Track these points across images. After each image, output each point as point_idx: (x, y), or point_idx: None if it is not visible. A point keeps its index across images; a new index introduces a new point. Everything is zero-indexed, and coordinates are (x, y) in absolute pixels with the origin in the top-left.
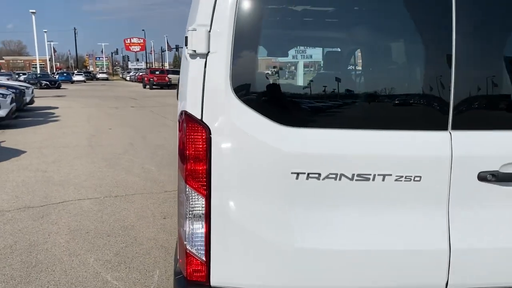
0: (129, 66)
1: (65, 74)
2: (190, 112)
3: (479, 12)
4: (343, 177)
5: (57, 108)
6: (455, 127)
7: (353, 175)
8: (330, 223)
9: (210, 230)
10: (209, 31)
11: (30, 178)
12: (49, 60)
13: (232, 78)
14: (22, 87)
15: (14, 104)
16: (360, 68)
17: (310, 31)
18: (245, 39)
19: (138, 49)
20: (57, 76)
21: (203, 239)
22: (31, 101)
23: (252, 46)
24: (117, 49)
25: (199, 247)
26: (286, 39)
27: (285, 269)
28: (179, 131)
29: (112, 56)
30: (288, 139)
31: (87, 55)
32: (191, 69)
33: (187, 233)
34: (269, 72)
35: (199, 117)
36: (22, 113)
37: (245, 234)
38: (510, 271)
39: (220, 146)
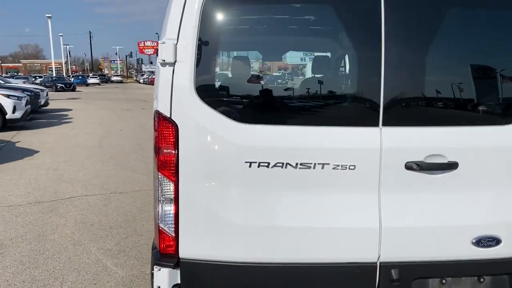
0: (143, 69)
1: (80, 77)
2: (161, 111)
3: (404, 24)
4: (288, 166)
5: (70, 110)
6: (385, 123)
7: (296, 164)
8: (278, 204)
9: (179, 211)
10: (176, 44)
11: (41, 176)
12: (65, 63)
13: (195, 83)
14: (37, 90)
15: (29, 106)
16: (304, 73)
17: (257, 46)
18: (205, 51)
19: (152, 52)
20: (72, 79)
21: (173, 218)
22: (46, 103)
23: (212, 57)
24: (131, 52)
25: (169, 225)
26: (240, 51)
27: (240, 243)
28: (153, 127)
29: (126, 59)
30: (241, 133)
31: (102, 58)
32: (162, 75)
33: (159, 213)
34: (226, 78)
35: (169, 115)
36: (37, 115)
37: (207, 214)
38: (434, 246)
39: (186, 140)
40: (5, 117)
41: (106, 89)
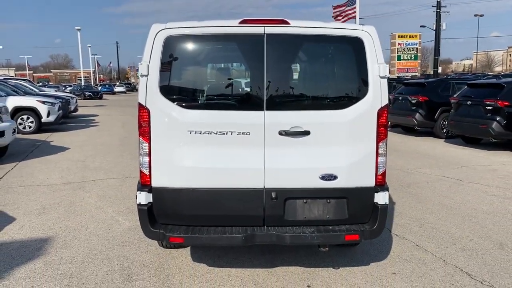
0: None
1: (107, 86)
2: (141, 102)
3: (277, 54)
4: (212, 133)
5: (97, 115)
6: (267, 109)
7: (217, 132)
8: (205, 155)
9: (151, 160)
10: (148, 64)
11: (72, 166)
12: (93, 73)
13: (159, 86)
14: (68, 97)
15: (61, 111)
16: (223, 81)
17: (198, 64)
18: (165, 69)
19: None
20: (99, 88)
21: (148, 164)
22: (75, 110)
23: (169, 71)
24: None
25: (146, 168)
26: (184, 68)
27: (185, 177)
28: (138, 112)
29: None
30: (185, 114)
31: (128, 67)
32: (141, 83)
33: (141, 161)
34: (177, 83)
35: (145, 104)
36: (67, 120)
37: (168, 161)
38: (295, 179)
39: (154, 118)
40: (41, 121)
41: (131, 97)
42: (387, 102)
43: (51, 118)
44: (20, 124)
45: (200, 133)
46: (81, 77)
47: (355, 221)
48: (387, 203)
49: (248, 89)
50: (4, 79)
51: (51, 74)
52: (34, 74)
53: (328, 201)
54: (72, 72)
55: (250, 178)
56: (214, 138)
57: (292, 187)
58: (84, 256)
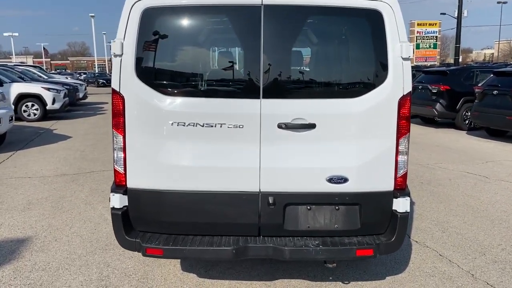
0: None
1: None
2: (114, 87)
3: (275, 35)
4: (198, 125)
5: (106, 103)
6: (264, 96)
7: (204, 124)
8: (191, 151)
9: (126, 156)
10: (122, 42)
11: (70, 156)
12: (108, 61)
13: (135, 68)
14: (76, 84)
15: (67, 98)
16: (211, 63)
17: (179, 43)
18: (142, 47)
19: None
20: None
21: (123, 161)
22: (84, 97)
23: (147, 52)
24: None
25: (121, 165)
26: (165, 47)
27: (166, 177)
28: (111, 99)
29: None
30: (166, 102)
31: None
32: (114, 63)
33: (114, 158)
34: (157, 64)
35: (118, 90)
36: (75, 107)
37: (146, 158)
38: (297, 181)
39: (130, 106)
40: (46, 108)
41: None
42: (410, 89)
43: (57, 106)
44: (24, 111)
45: (184, 125)
46: (95, 64)
47: (368, 232)
48: (408, 210)
49: (242, 73)
50: (14, 65)
51: (68, 61)
52: (52, 62)
53: (337, 208)
54: (88, 60)
55: (243, 180)
56: (200, 132)
57: (293, 191)
58: (60, 262)
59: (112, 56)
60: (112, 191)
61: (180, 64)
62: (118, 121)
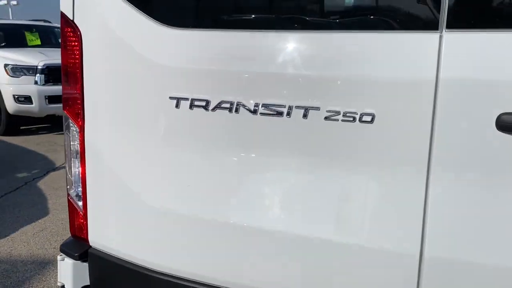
0: None
1: None
2: (64, 11)
3: None
4: (241, 108)
5: None
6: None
7: (257, 105)
8: (231, 179)
9: (86, 171)
10: None
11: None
12: None
13: None
14: None
15: None
16: None
17: None
18: None
19: None
20: None
21: (80, 182)
22: None
23: None
24: None
25: (78, 195)
26: None
27: (161, 240)
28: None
29: None
30: (166, 45)
31: None
32: None
33: (67, 175)
34: None
35: (72, 18)
36: None
37: (116, 181)
38: None
39: (89, 56)
40: None
41: None
42: None
43: None
44: None
45: (206, 107)
46: None
47: None
48: None
49: None
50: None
51: None
52: None
53: None
54: None
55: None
56: (247, 126)
57: None
58: None
59: None
60: (61, 250)
61: None
62: (72, 89)
